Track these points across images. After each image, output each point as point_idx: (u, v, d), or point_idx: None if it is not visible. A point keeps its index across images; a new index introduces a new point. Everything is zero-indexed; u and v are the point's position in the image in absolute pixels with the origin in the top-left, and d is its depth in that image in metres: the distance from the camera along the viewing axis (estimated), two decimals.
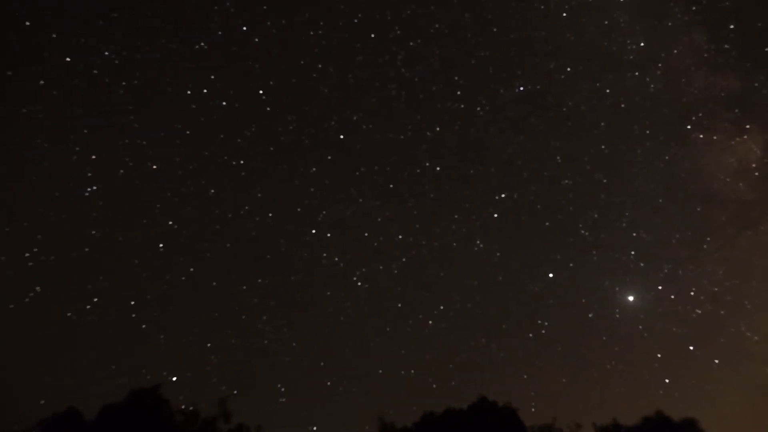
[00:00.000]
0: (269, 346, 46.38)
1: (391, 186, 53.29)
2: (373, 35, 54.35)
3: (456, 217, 53.00)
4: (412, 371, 47.21)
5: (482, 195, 53.79)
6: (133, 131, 47.24)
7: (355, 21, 53.71)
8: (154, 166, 47.41)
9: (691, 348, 46.17)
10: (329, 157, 52.80)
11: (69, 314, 41.74)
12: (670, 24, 53.15)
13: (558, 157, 54.19)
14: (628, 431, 38.64)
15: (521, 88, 54.80)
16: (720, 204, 51.14)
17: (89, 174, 44.82)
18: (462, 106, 54.95)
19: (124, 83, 47.21)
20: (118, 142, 46.74)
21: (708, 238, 50.31)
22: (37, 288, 41.67)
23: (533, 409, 42.81)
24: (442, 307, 49.96)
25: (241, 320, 46.83)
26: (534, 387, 46.30)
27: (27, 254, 42.32)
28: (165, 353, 43.20)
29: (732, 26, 51.07)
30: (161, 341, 43.89)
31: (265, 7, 52.14)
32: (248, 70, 51.58)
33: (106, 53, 46.50)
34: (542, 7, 55.15)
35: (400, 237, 51.81)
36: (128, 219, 46.36)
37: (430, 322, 49.33)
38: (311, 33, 52.88)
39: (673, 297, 48.33)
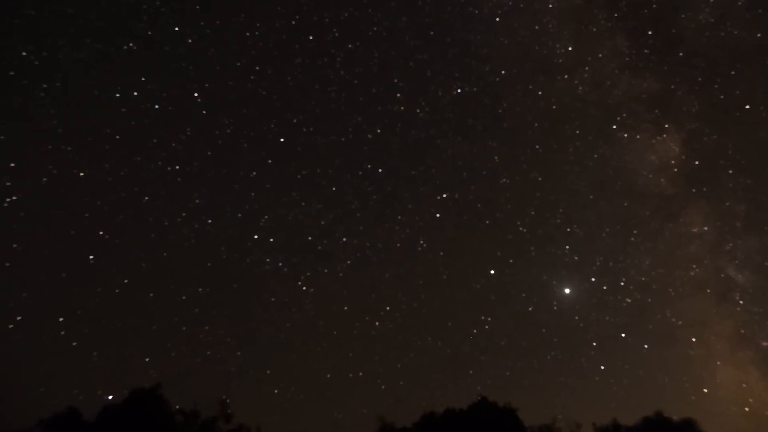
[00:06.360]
0: (212, 356, 45.14)
1: (334, 188, 53.16)
2: (311, 37, 54.32)
3: (399, 218, 53.62)
4: (361, 373, 47.36)
5: (424, 195, 54.72)
6: (56, 137, 45.01)
7: (293, 23, 53.57)
8: (81, 174, 45.21)
9: (623, 335, 49.26)
10: (269, 161, 52.31)
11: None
12: (594, 29, 56.91)
13: (495, 157, 56.05)
14: (628, 431, 39.01)
15: (459, 90, 56.38)
16: (644, 199, 54.42)
17: (8, 183, 42.52)
18: (402, 108, 55.74)
19: (45, 86, 45.18)
20: (40, 148, 44.49)
21: (635, 231, 53.64)
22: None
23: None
24: (388, 308, 50.15)
25: (182, 331, 45.28)
26: (488, 383, 47.75)
27: None
28: (103, 370, 41.35)
29: (650, 32, 55.19)
30: (94, 358, 42.00)
31: (198, 7, 51.23)
32: (182, 71, 50.43)
33: (24, 54, 44.57)
34: (476, 11, 56.71)
35: (344, 239, 51.83)
36: (54, 230, 44.41)
37: (377, 323, 49.38)
38: (247, 34, 52.29)
39: (605, 288, 51.40)
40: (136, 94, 47.98)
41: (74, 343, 41.24)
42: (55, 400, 36.14)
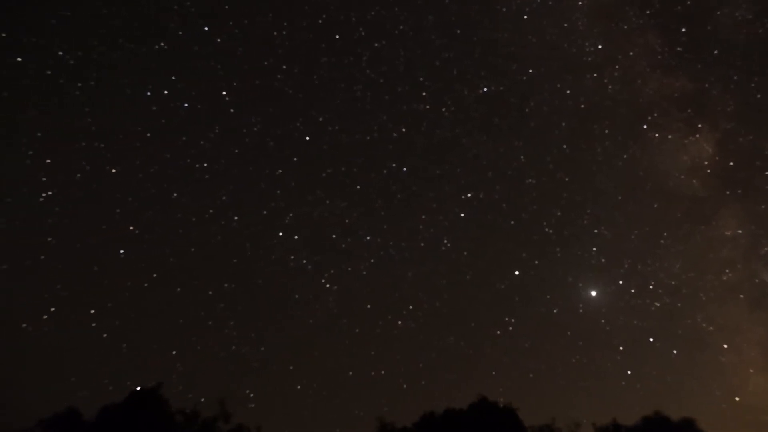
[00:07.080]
0: (237, 351, 46.04)
1: (358, 187, 53.38)
2: (337, 36, 54.35)
3: (423, 217, 53.46)
4: (383, 372, 47.65)
5: (449, 195, 54.33)
6: (90, 134, 46.40)
7: (320, 22, 53.66)
8: (113, 170, 46.65)
9: (651, 340, 48.11)
10: (295, 159, 52.69)
11: (24, 325, 41.39)
12: (626, 27, 54.99)
13: (521, 157, 55.14)
14: (627, 431, 38.54)
15: (485, 89, 55.44)
16: (675, 200, 52.93)
17: (44, 179, 43.94)
18: (427, 107, 55.30)
19: (79, 84, 46.51)
20: (74, 145, 45.86)
21: (665, 234, 52.15)
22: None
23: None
24: (411, 307, 50.23)
25: (208, 326, 46.34)
26: (508, 385, 47.91)
27: None
28: (128, 362, 42.64)
29: (684, 29, 53.28)
30: (123, 350, 43.38)
31: (227, 7, 51.91)
32: (211, 70, 51.23)
33: (60, 53, 45.63)
34: (504, 9, 55.76)
35: (368, 238, 52.04)
36: (86, 225, 45.70)
37: (399, 322, 49.59)
38: (275, 33, 52.65)
39: (633, 291, 49.90)
40: (166, 92, 49.16)
41: (105, 335, 42.93)
42: (55, 400, 36.43)
